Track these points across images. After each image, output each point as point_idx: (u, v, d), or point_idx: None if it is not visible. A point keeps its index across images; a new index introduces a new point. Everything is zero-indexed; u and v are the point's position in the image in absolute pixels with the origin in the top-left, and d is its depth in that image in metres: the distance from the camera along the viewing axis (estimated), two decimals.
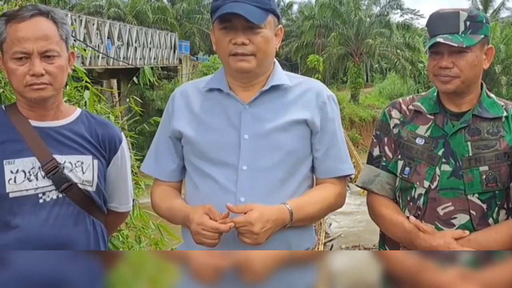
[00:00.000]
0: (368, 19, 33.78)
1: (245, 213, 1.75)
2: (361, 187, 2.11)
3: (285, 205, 1.82)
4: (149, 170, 2.05)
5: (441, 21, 1.91)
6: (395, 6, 35.60)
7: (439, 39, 1.86)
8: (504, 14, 39.61)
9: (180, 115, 1.96)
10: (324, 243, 12.49)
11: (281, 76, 1.95)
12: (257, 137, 1.87)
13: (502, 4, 35.97)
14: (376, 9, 35.28)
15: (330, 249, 12.33)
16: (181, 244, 2.03)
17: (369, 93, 37.35)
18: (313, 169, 1.98)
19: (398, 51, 32.82)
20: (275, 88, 1.92)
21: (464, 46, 1.85)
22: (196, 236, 1.77)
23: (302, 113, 1.90)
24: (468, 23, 1.89)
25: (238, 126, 1.88)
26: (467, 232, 1.87)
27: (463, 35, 1.88)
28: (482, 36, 1.90)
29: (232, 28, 1.83)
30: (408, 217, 1.95)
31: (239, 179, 1.85)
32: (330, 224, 14.48)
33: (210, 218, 1.75)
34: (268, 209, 1.77)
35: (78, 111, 1.94)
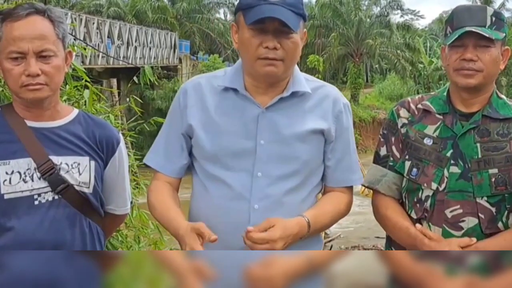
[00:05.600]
0: (368, 20, 33.79)
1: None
2: (367, 187, 2.07)
3: (303, 217, 1.78)
4: (157, 165, 1.96)
5: (468, 14, 1.89)
6: (395, 7, 35.62)
7: (469, 28, 1.84)
8: (504, 15, 39.61)
9: (195, 113, 1.88)
10: (324, 244, 12.46)
11: (301, 81, 1.89)
12: (274, 144, 1.82)
13: (503, 5, 35.86)
14: (376, 10, 35.35)
15: (330, 249, 12.31)
16: None
17: (369, 93, 37.33)
18: (322, 176, 1.94)
19: (398, 51, 32.84)
20: (293, 94, 1.86)
21: (493, 38, 1.84)
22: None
23: (319, 122, 1.86)
24: (493, 18, 1.88)
25: (254, 131, 1.83)
26: (474, 239, 1.83)
27: (489, 29, 1.86)
28: (504, 34, 1.90)
29: (263, 30, 1.75)
30: (415, 224, 1.91)
31: (253, 185, 1.80)
32: None
33: (202, 238, 1.66)
34: (290, 224, 1.72)
35: (75, 111, 1.91)
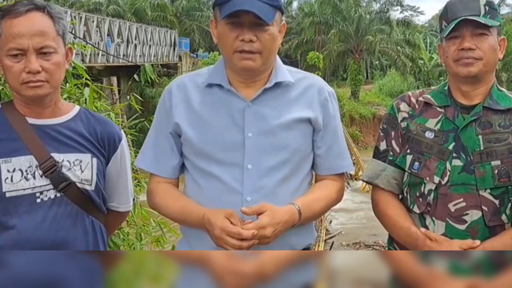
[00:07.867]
0: (368, 16, 33.76)
1: (258, 214, 1.72)
2: (366, 182, 2.07)
3: (294, 205, 1.80)
4: (148, 167, 1.97)
5: (461, 5, 1.90)
6: (395, 3, 35.54)
7: (465, 17, 1.85)
8: (504, 10, 39.53)
9: (180, 111, 1.89)
10: (325, 240, 12.48)
11: (284, 72, 1.91)
12: (262, 135, 1.84)
13: (502, 0, 35.82)
14: (376, 6, 35.29)
15: (331, 246, 12.33)
16: (179, 242, 2.00)
17: (369, 90, 37.31)
18: (313, 165, 1.96)
19: (398, 48, 32.80)
20: (277, 84, 1.89)
21: (489, 25, 1.85)
22: (218, 240, 1.72)
23: (306, 111, 1.88)
24: (487, 8, 1.89)
25: (241, 124, 1.84)
26: (477, 242, 1.82)
27: (483, 18, 1.87)
28: (499, 23, 1.90)
29: (239, 24, 1.77)
30: (417, 218, 1.91)
31: (244, 178, 1.82)
32: (331, 221, 14.47)
33: (231, 223, 1.71)
34: (280, 211, 1.75)
35: (76, 108, 1.90)
